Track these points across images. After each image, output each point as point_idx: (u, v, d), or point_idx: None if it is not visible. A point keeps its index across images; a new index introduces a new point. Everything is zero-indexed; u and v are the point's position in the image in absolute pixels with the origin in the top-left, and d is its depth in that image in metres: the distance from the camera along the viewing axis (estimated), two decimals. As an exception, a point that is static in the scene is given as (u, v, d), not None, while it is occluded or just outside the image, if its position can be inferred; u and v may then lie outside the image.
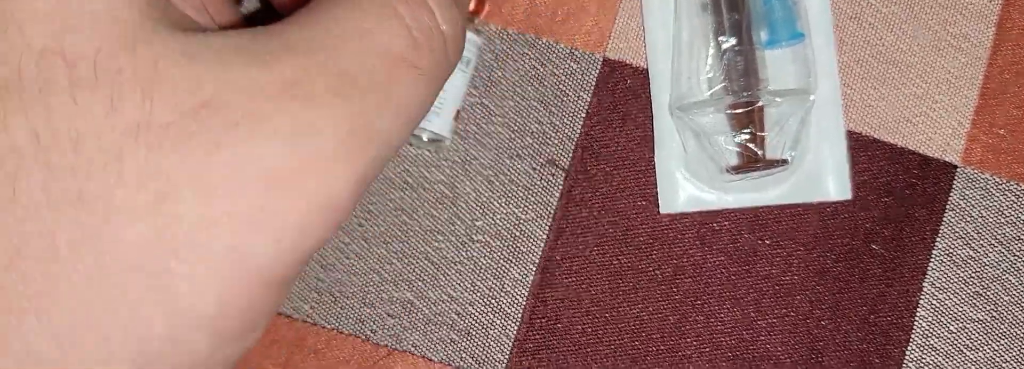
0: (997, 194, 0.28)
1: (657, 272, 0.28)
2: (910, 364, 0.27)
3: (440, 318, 0.28)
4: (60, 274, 0.15)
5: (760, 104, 0.26)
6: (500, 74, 0.28)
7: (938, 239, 0.28)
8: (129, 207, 0.15)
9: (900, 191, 0.28)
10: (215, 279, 0.15)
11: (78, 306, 0.15)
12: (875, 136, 0.28)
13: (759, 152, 0.26)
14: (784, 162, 0.26)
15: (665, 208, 0.28)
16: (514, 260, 0.28)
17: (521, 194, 0.28)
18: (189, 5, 0.19)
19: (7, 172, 0.14)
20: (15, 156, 0.15)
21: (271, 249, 0.16)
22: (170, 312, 0.15)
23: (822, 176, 0.27)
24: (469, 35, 0.26)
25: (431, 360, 0.27)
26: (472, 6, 0.27)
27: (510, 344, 0.28)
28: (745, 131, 0.26)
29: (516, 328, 0.28)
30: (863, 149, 0.28)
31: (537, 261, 0.28)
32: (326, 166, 0.16)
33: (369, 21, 0.18)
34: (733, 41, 0.26)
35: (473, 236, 0.28)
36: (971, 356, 0.27)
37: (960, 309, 0.28)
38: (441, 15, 0.18)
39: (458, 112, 0.27)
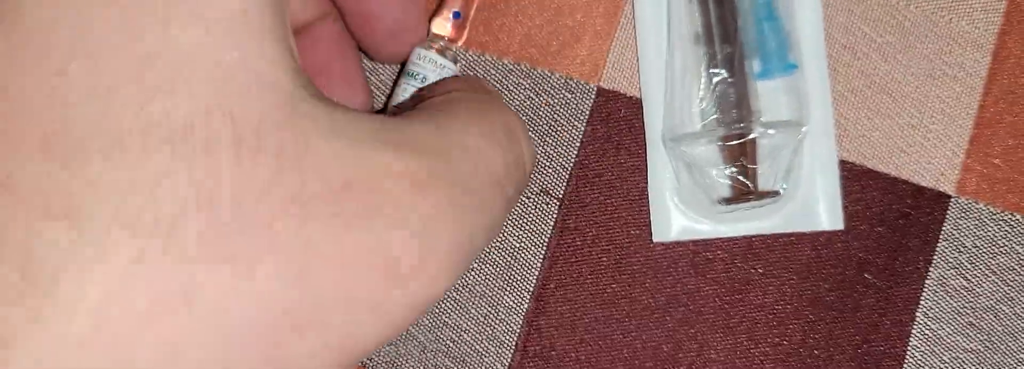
0: (991, 224, 0.28)
1: (651, 300, 0.28)
2: (903, 394, 0.27)
3: (435, 345, 0.28)
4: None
5: (752, 136, 0.27)
6: (496, 103, 0.29)
7: (931, 269, 0.28)
8: (273, 274, 0.15)
9: (893, 221, 0.28)
10: (328, 360, 0.16)
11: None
12: (868, 166, 0.28)
13: (751, 184, 0.27)
14: (776, 194, 0.27)
15: (658, 237, 0.28)
16: (508, 288, 0.28)
17: (515, 222, 0.28)
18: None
19: (170, 215, 0.14)
20: (177, 205, 0.14)
21: (373, 339, 0.16)
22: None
23: (815, 206, 0.28)
24: (445, 62, 0.26)
25: (427, 386, 0.28)
26: (450, 33, 0.27)
27: (505, 371, 0.28)
28: (737, 163, 0.26)
29: (511, 355, 0.28)
30: (856, 179, 0.28)
31: (531, 289, 0.28)
32: (435, 268, 0.16)
33: (478, 141, 0.19)
34: (725, 73, 0.27)
35: (469, 264, 0.28)
36: (965, 386, 0.27)
37: (953, 339, 0.28)
38: (524, 144, 0.20)
39: None
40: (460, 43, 0.28)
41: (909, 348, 0.28)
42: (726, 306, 0.28)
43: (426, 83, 0.26)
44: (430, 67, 0.26)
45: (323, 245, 0.15)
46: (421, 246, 0.16)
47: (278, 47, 0.16)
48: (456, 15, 0.27)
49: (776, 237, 0.28)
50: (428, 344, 0.28)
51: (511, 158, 0.19)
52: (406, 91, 0.26)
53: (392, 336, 0.17)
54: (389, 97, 0.28)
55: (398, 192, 0.16)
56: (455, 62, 0.27)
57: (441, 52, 0.27)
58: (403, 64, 0.27)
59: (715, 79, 0.27)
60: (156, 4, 0.15)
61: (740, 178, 0.27)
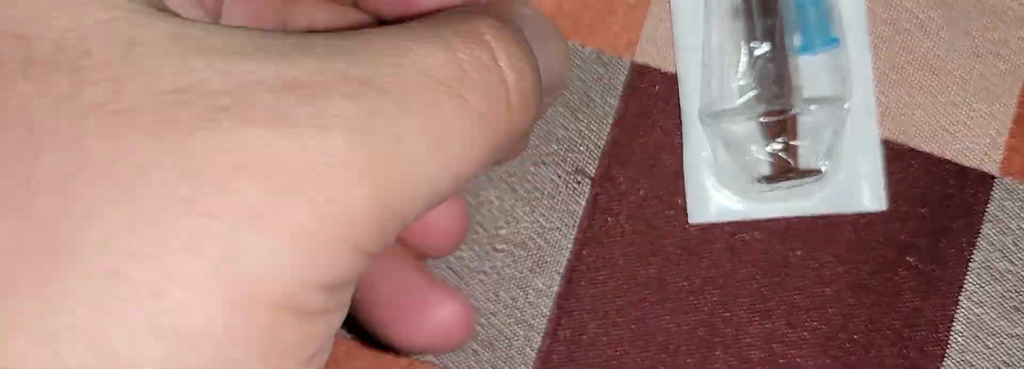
0: (1037, 206, 0.27)
1: (685, 283, 0.27)
2: (945, 380, 0.27)
3: (462, 328, 0.27)
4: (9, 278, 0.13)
5: (793, 113, 0.26)
6: (525, 79, 0.28)
7: (975, 252, 0.27)
8: (92, 199, 0.13)
9: (936, 202, 0.27)
10: (206, 298, 0.13)
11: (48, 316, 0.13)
12: (911, 145, 0.27)
13: (791, 162, 0.26)
14: (818, 172, 0.26)
15: (694, 218, 0.27)
16: (538, 270, 0.27)
17: (546, 202, 0.27)
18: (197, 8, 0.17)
19: None
20: None
21: (270, 266, 0.14)
22: (157, 336, 0.13)
23: (856, 186, 0.27)
24: None
25: (453, 371, 0.27)
26: None
27: (534, 355, 0.27)
28: (777, 140, 0.26)
29: (540, 339, 0.27)
30: (898, 158, 0.27)
31: (562, 271, 0.27)
32: (337, 173, 0.14)
33: (410, 40, 0.16)
34: (766, 47, 0.26)
35: (496, 245, 0.27)
36: (1008, 372, 0.27)
37: (997, 324, 0.27)
38: (503, 55, 0.17)
39: None
40: None
41: (952, 333, 0.27)
42: (763, 289, 0.27)
43: None
44: None
45: (154, 154, 0.13)
46: (297, 145, 0.14)
47: None
48: None
49: (815, 219, 0.27)
50: (455, 327, 0.27)
51: (470, 58, 0.16)
52: None
53: (315, 266, 0.14)
54: None
55: (257, 93, 0.14)
56: None
57: None
58: None
59: (755, 53, 0.26)
60: None
61: (781, 155, 0.26)
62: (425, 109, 0.15)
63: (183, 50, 0.14)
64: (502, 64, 0.17)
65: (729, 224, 0.27)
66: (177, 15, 0.15)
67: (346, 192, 0.14)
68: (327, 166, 0.14)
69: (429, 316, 0.22)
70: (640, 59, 0.28)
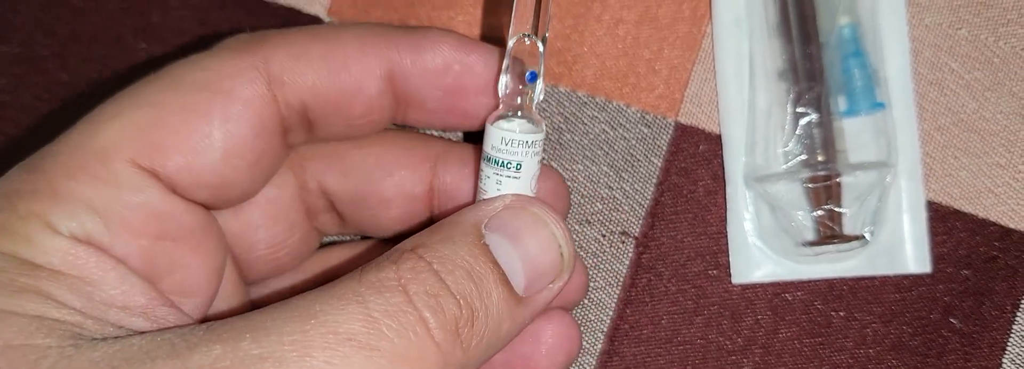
0: (1083, 269, 0.27)
1: (727, 343, 0.27)
2: (988, 442, 0.27)
3: (507, 385, 0.28)
4: None
5: (839, 178, 0.26)
6: (569, 137, 0.28)
7: (1019, 314, 0.27)
8: None
9: (980, 264, 0.27)
10: None
11: None
12: (955, 207, 0.27)
13: (837, 228, 0.26)
14: (862, 238, 0.26)
15: (737, 278, 0.27)
16: (582, 328, 0.28)
17: (590, 261, 0.28)
18: (149, 319, 0.19)
19: None
20: None
21: None
22: None
23: (900, 248, 0.27)
24: (532, 137, 0.22)
25: (498, 427, 0.27)
26: (527, 97, 0.23)
27: (577, 413, 0.27)
28: (823, 207, 0.26)
29: (584, 397, 0.27)
30: (942, 220, 0.27)
31: (605, 330, 0.28)
32: None
33: (324, 302, 0.17)
34: (812, 113, 0.26)
35: (541, 302, 0.28)
36: (1052, 435, 0.27)
37: (1041, 387, 0.27)
38: (419, 296, 0.18)
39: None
40: (537, 102, 0.23)
41: (995, 396, 0.27)
42: (805, 350, 0.27)
43: (522, 171, 0.22)
44: (520, 151, 0.22)
45: None
46: None
47: (30, 320, 0.17)
48: (531, 77, 0.22)
49: (858, 279, 0.27)
50: (501, 385, 0.28)
51: (385, 310, 0.18)
52: (500, 183, 0.22)
53: None
54: (476, 188, 0.23)
55: None
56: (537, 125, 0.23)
57: (523, 127, 0.22)
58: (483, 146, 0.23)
59: (802, 120, 0.26)
60: None
61: (826, 222, 0.26)
62: (328, 368, 0.16)
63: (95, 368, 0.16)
64: (418, 305, 0.18)
65: (772, 284, 0.27)
66: (117, 330, 0.18)
67: None
68: None
69: (539, 343, 0.24)
70: (684, 119, 0.28)
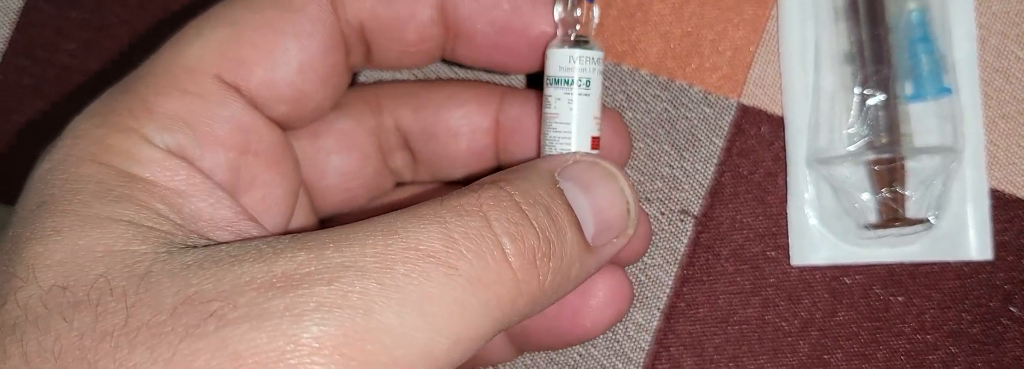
0: None
1: (784, 324, 0.27)
2: (1044, 432, 0.27)
3: (562, 358, 0.28)
4: None
5: (904, 161, 0.26)
6: (631, 116, 0.28)
7: (1080, 304, 0.27)
8: None
9: (1042, 253, 0.27)
10: None
11: None
12: (1019, 195, 0.27)
13: (900, 211, 0.26)
14: (926, 222, 0.26)
15: (796, 260, 0.27)
16: (638, 305, 0.28)
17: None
18: (232, 233, 0.20)
19: None
20: None
21: None
22: None
23: (962, 235, 0.27)
24: (594, 52, 0.23)
25: (550, 402, 0.27)
26: (582, 18, 0.24)
27: (630, 390, 0.27)
28: (887, 189, 0.26)
29: (637, 374, 0.27)
30: (1004, 208, 0.27)
31: (662, 307, 0.28)
32: (309, 356, 0.16)
33: (405, 220, 0.18)
34: (879, 95, 0.26)
35: (597, 278, 0.28)
36: (1109, 427, 0.26)
37: (1101, 378, 0.27)
38: (499, 222, 0.18)
39: (595, 140, 0.23)
40: (593, 28, 0.24)
41: (1054, 385, 0.27)
42: (862, 334, 0.27)
43: (592, 88, 0.23)
44: (589, 66, 0.23)
45: (149, 364, 0.16)
46: (275, 337, 0.16)
47: (131, 226, 0.18)
48: None
49: (918, 265, 0.27)
50: (556, 357, 0.28)
51: (464, 231, 0.18)
52: (573, 105, 0.23)
53: None
54: (543, 114, 0.24)
55: (244, 293, 0.16)
56: (592, 49, 0.23)
57: (582, 44, 0.23)
58: (544, 72, 0.24)
59: (869, 102, 0.26)
60: None
61: (890, 204, 0.26)
62: (407, 281, 0.17)
63: (189, 271, 0.17)
64: (497, 231, 0.18)
65: (831, 267, 0.27)
66: (206, 241, 0.18)
67: None
68: (300, 351, 0.16)
69: (590, 296, 0.24)
70: (747, 100, 0.28)
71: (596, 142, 0.23)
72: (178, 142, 0.20)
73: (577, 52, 0.23)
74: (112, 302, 0.17)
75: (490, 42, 0.24)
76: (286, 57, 0.21)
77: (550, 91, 0.23)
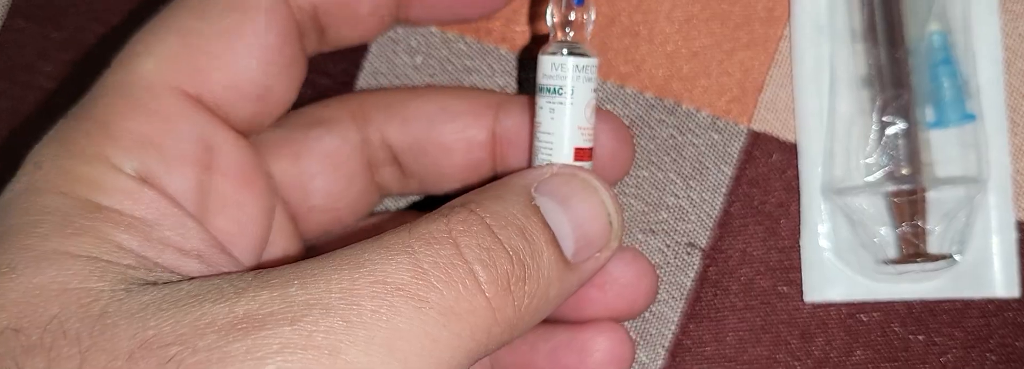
0: None
1: (796, 364, 0.26)
2: None
3: (560, 400, 0.26)
4: None
5: (925, 193, 0.24)
6: (636, 142, 0.27)
7: (1113, 344, 0.25)
8: None
9: (1072, 289, 0.25)
10: None
11: None
12: (1047, 228, 0.26)
13: (921, 246, 0.24)
14: (949, 258, 0.24)
15: (810, 296, 0.26)
16: (643, 343, 0.26)
17: (653, 272, 0.26)
18: (202, 262, 0.19)
19: None
20: None
21: None
22: None
23: (987, 270, 0.25)
24: (586, 61, 0.22)
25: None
26: (575, 19, 0.23)
27: (633, 432, 0.26)
28: (907, 223, 0.24)
29: (641, 416, 0.26)
30: (1032, 241, 0.25)
31: (667, 345, 0.26)
32: None
33: (372, 252, 0.17)
34: (898, 122, 0.24)
35: (599, 314, 0.26)
36: None
37: None
38: (471, 249, 0.18)
39: (580, 151, 0.22)
40: (588, 32, 0.23)
41: (1085, 431, 0.25)
42: (880, 374, 0.26)
43: (574, 97, 0.22)
44: (570, 74, 0.22)
45: None
46: None
47: (93, 263, 0.17)
48: (578, 0, 0.22)
49: (939, 301, 0.26)
50: (554, 400, 0.26)
51: (434, 260, 0.17)
52: (553, 115, 0.22)
53: None
54: (533, 122, 0.23)
55: (205, 336, 0.16)
56: (583, 56, 0.22)
57: (573, 51, 0.22)
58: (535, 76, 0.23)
59: (888, 130, 0.24)
60: None
61: (911, 239, 0.24)
62: (375, 318, 0.16)
63: (147, 312, 0.16)
64: (468, 258, 0.18)
65: (847, 304, 0.26)
66: (176, 278, 0.18)
67: None
68: None
69: (587, 354, 0.23)
70: (757, 126, 0.26)
71: (583, 153, 0.22)
72: (144, 165, 0.19)
73: (560, 59, 0.22)
74: (66, 347, 0.16)
75: None
76: (247, 56, 0.21)
77: (537, 99, 0.22)
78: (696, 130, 0.27)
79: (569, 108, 0.22)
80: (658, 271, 0.26)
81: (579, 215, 0.20)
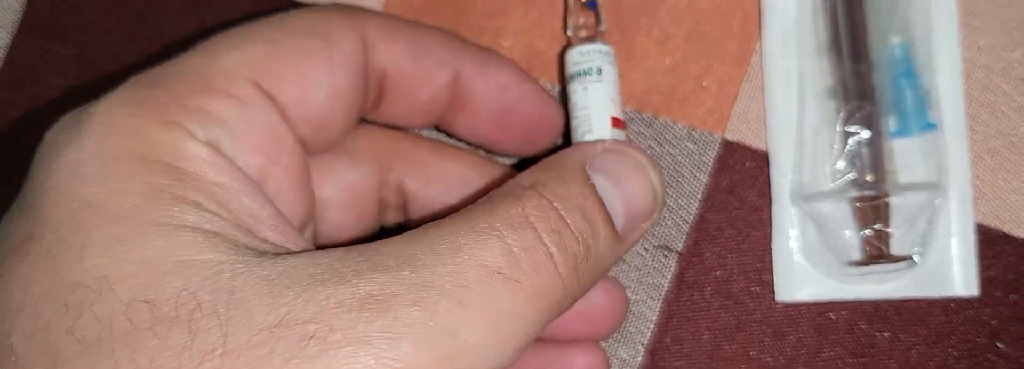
0: None
1: (769, 360, 0.27)
2: (1032, 470, 0.26)
3: (546, 396, 0.28)
4: None
5: (888, 199, 0.26)
6: (616, 151, 0.28)
7: (1068, 340, 0.27)
8: None
9: (1029, 288, 0.27)
10: None
11: None
12: (1005, 230, 0.27)
13: (884, 248, 0.26)
14: (910, 259, 0.26)
15: (781, 296, 0.27)
16: (623, 341, 0.28)
17: (632, 275, 0.28)
18: (277, 233, 0.20)
19: None
20: None
21: None
22: None
23: (948, 271, 0.26)
24: (605, 47, 0.25)
25: (535, 439, 0.27)
26: (590, 21, 0.26)
27: (615, 427, 0.27)
28: (871, 226, 0.26)
29: (622, 411, 0.27)
30: (991, 243, 0.27)
31: (646, 343, 0.28)
32: None
33: (466, 236, 0.18)
34: (862, 131, 0.26)
35: (582, 314, 0.28)
36: (1098, 465, 0.26)
37: (1089, 416, 0.26)
38: (546, 232, 0.19)
39: (616, 120, 0.25)
40: (602, 30, 0.26)
41: (1041, 423, 0.26)
42: (848, 370, 0.27)
43: (603, 75, 0.25)
44: (597, 57, 0.25)
45: None
46: (372, 359, 0.16)
47: (205, 234, 0.18)
48: (591, 4, 0.26)
49: (904, 301, 0.27)
50: (540, 396, 0.28)
51: (521, 244, 0.19)
52: (588, 91, 0.24)
53: None
54: (566, 106, 0.26)
55: (337, 316, 0.16)
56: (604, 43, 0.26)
57: (593, 40, 0.25)
58: (563, 71, 0.26)
59: (852, 139, 0.26)
60: None
61: (874, 242, 0.26)
62: (481, 300, 0.18)
63: (274, 288, 0.17)
64: (546, 241, 0.19)
65: (816, 303, 0.27)
66: (271, 248, 0.18)
67: None
68: None
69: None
70: (731, 136, 0.28)
71: (619, 122, 0.25)
72: (217, 140, 0.19)
73: (587, 46, 0.25)
74: (203, 319, 0.16)
75: (493, 120, 0.25)
76: (319, 81, 0.21)
77: (570, 88, 0.25)
78: (673, 140, 0.28)
79: (602, 84, 0.25)
80: (637, 273, 0.28)
81: (629, 193, 0.22)
